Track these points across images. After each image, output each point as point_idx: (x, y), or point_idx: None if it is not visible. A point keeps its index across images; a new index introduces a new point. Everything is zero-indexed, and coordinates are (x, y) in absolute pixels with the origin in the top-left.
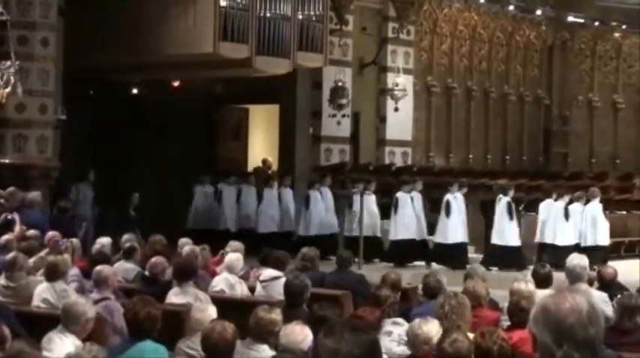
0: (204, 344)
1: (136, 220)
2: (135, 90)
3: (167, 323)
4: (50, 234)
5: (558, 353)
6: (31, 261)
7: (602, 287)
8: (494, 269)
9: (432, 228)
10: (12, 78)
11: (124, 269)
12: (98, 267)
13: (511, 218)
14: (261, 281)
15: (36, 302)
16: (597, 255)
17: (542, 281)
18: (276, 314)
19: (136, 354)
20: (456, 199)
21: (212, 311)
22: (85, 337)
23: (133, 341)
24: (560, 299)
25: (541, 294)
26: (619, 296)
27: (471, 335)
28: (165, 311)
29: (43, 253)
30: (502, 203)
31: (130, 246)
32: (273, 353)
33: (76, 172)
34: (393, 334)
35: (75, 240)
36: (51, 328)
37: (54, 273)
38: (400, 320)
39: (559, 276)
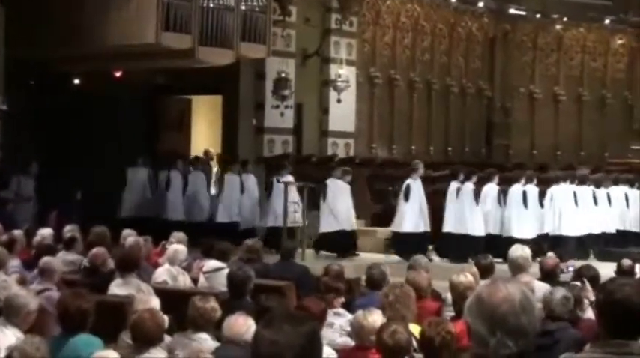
0: (135, 332)
1: (78, 217)
2: (76, 81)
3: (109, 314)
4: None
5: (492, 341)
6: None
7: (543, 278)
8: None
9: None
10: None
11: (66, 260)
12: (45, 258)
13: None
14: (204, 273)
15: None
16: None
17: (485, 272)
18: (213, 302)
19: (70, 350)
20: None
21: (155, 303)
22: (27, 329)
23: (66, 336)
24: (493, 289)
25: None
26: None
27: (416, 326)
28: (107, 302)
29: None
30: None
31: (71, 236)
32: (214, 342)
33: (17, 163)
34: (335, 325)
35: (17, 232)
36: None
37: None
38: (342, 310)
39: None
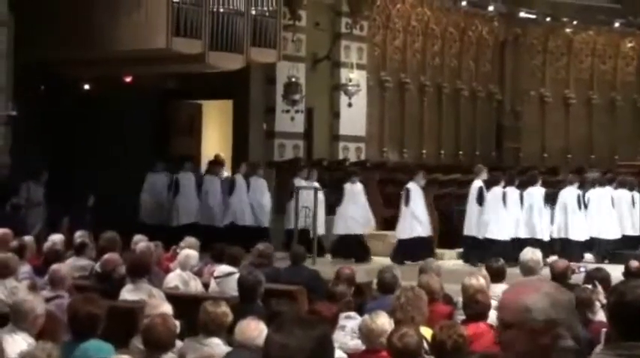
0: (147, 337)
1: (90, 222)
2: (87, 86)
3: (121, 320)
4: (1, 231)
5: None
6: None
7: (553, 281)
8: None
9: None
10: None
11: (77, 265)
12: (55, 266)
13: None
14: (216, 278)
15: None
16: None
17: (495, 276)
18: (225, 307)
19: (81, 355)
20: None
21: (166, 308)
22: (36, 334)
23: (77, 342)
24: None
25: (496, 288)
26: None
27: (428, 330)
28: (118, 308)
29: None
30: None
31: (81, 242)
32: (225, 347)
33: (27, 169)
34: (347, 328)
35: (28, 238)
36: (2, 326)
37: (4, 270)
38: (353, 313)
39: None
